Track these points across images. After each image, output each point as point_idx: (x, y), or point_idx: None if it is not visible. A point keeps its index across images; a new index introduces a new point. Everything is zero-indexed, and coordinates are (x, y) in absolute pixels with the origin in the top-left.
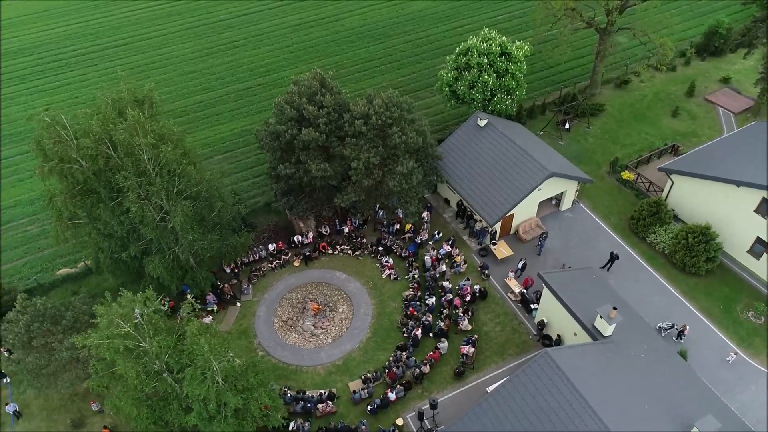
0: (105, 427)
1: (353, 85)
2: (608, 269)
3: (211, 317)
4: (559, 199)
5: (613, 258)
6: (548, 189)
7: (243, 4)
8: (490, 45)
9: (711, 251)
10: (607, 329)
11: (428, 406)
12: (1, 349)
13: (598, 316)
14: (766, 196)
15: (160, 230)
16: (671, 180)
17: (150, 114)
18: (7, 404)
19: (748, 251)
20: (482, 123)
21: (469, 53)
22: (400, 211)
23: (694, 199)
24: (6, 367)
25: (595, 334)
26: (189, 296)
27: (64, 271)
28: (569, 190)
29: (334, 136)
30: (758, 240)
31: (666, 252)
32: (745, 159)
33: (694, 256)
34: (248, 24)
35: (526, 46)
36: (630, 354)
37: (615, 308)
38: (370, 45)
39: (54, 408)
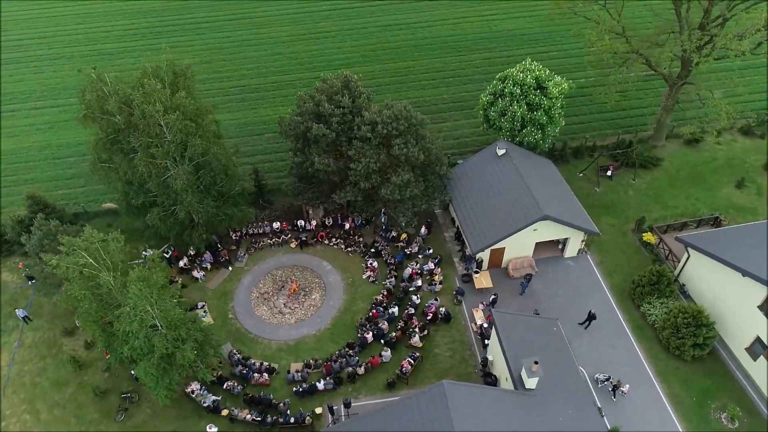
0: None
1: (414, 92)
2: (585, 327)
3: (203, 273)
4: (565, 244)
5: (591, 317)
6: (547, 231)
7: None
8: (526, 76)
9: (700, 337)
10: (528, 381)
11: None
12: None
13: (523, 367)
14: None
15: (162, 187)
16: (687, 253)
17: (184, 86)
18: (17, 309)
19: (746, 348)
20: (500, 152)
21: (506, 81)
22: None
23: (705, 278)
24: (32, 272)
25: (517, 383)
26: (191, 251)
27: (108, 205)
28: (573, 237)
29: (345, 136)
30: (758, 339)
31: (656, 326)
32: (763, 248)
33: (681, 337)
34: (344, 18)
35: (565, 84)
36: (546, 412)
37: (536, 362)
38: (447, 55)
39: (58, 315)
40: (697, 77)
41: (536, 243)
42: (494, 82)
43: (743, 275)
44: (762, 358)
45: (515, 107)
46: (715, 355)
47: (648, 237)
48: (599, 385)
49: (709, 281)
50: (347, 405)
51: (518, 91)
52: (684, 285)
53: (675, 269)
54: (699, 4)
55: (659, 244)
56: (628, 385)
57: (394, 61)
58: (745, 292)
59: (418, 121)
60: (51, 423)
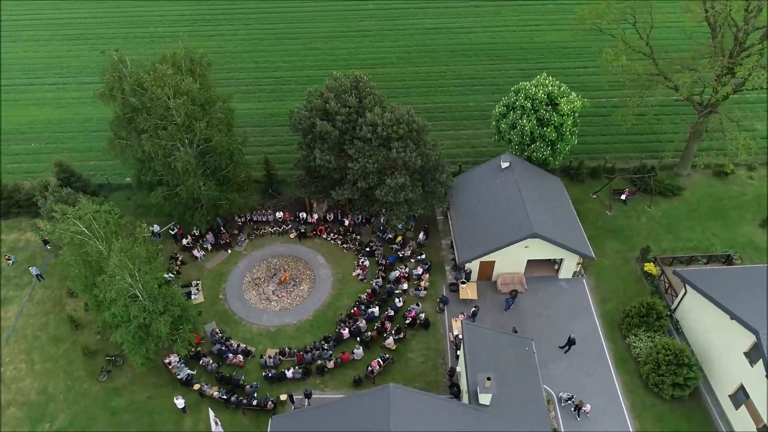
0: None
1: (441, 97)
2: (565, 352)
3: (203, 253)
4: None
5: (570, 342)
6: (539, 250)
7: (397, 1)
8: (538, 90)
9: (681, 377)
10: (481, 397)
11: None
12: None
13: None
14: (757, 341)
15: (167, 168)
16: (685, 289)
17: (200, 74)
18: (31, 267)
19: (730, 395)
20: (504, 165)
21: (519, 93)
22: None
23: (699, 317)
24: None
25: (471, 398)
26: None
27: (129, 179)
28: (568, 259)
29: (349, 135)
30: (742, 387)
31: (639, 360)
32: (759, 293)
33: (661, 375)
34: (388, 18)
35: (578, 101)
36: (494, 429)
37: (489, 378)
38: (482, 63)
39: (67, 276)
40: (728, 107)
41: (531, 261)
42: (510, 93)
43: (731, 318)
44: (744, 407)
45: (524, 121)
46: (698, 397)
47: (650, 267)
48: (562, 404)
49: (702, 320)
50: (308, 396)
51: (529, 105)
52: (678, 321)
53: (672, 304)
54: (729, 30)
55: (660, 276)
56: (589, 405)
57: (427, 65)
58: (733, 336)
59: (419, 126)
60: (42, 374)
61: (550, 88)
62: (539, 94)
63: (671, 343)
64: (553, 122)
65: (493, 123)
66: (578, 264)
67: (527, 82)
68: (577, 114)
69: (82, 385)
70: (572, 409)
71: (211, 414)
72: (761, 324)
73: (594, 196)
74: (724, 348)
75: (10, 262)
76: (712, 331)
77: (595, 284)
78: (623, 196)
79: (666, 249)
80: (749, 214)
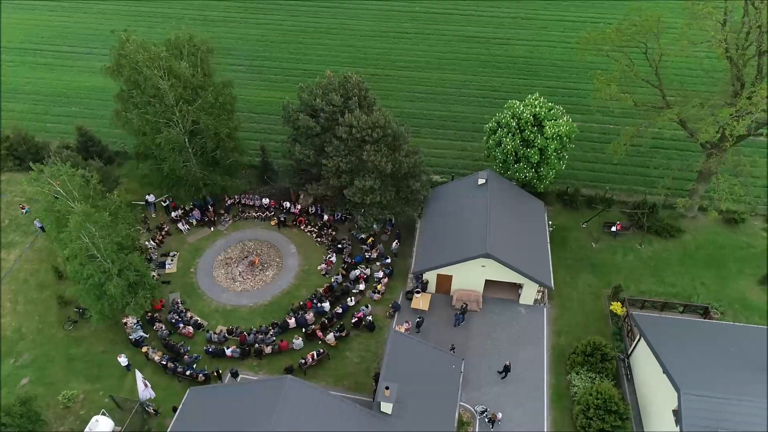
0: None
1: (458, 107)
2: (502, 378)
3: (187, 227)
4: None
5: (506, 368)
6: (496, 271)
7: (444, 4)
8: (524, 110)
9: (608, 424)
10: (382, 405)
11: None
12: None
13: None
14: (679, 402)
15: (154, 143)
16: (638, 334)
17: (201, 58)
18: (36, 219)
19: None
20: (480, 181)
21: (507, 112)
22: (375, 224)
23: (645, 365)
24: None
25: (375, 404)
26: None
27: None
28: (528, 285)
29: (331, 133)
30: None
31: (574, 399)
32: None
33: (589, 418)
34: (430, 21)
35: (565, 125)
36: None
37: (387, 388)
38: (511, 77)
39: None
40: (738, 150)
41: (495, 282)
42: (504, 110)
43: (663, 371)
44: None
45: (507, 140)
46: None
47: (616, 307)
48: (478, 416)
49: (647, 369)
50: (234, 375)
51: (514, 124)
52: (629, 366)
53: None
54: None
55: (626, 317)
56: (501, 414)
57: (456, 73)
58: (664, 390)
59: (394, 132)
60: (21, 315)
61: (537, 109)
62: (525, 115)
63: (604, 388)
64: (537, 144)
65: (484, 138)
66: (539, 291)
67: (516, 101)
68: (566, 138)
69: (50, 330)
70: (486, 420)
71: (139, 376)
72: (690, 384)
73: (583, 225)
74: (659, 402)
75: (24, 211)
76: (652, 383)
77: (557, 315)
78: (613, 229)
79: (644, 291)
80: (750, 269)
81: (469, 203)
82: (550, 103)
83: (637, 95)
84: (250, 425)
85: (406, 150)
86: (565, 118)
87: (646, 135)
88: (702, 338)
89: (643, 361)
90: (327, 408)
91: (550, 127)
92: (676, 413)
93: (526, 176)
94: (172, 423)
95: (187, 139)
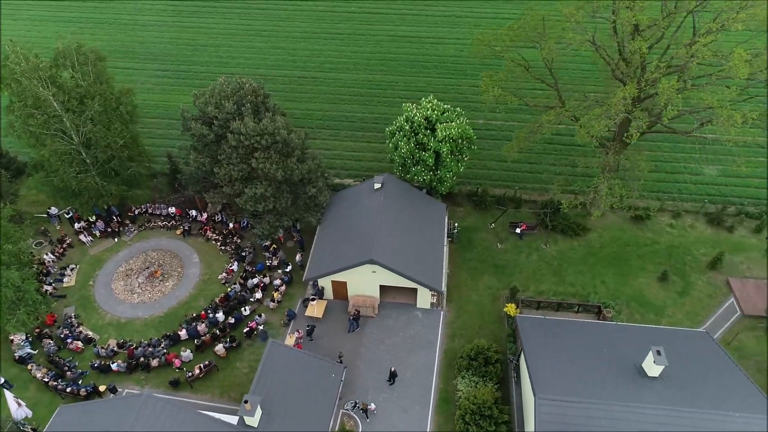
0: None
1: (380, 108)
2: (390, 384)
3: (90, 238)
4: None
5: (392, 374)
6: (387, 276)
7: (380, 4)
8: (416, 113)
9: (483, 429)
10: (246, 419)
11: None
12: None
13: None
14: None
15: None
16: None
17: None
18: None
19: None
20: (377, 186)
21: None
22: (281, 231)
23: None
24: None
25: (240, 419)
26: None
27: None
28: (422, 289)
29: (224, 140)
30: None
31: (457, 404)
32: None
33: (467, 423)
34: (365, 22)
35: (457, 127)
36: None
37: (246, 401)
38: (438, 76)
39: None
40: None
41: (393, 287)
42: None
43: (529, 375)
44: None
45: (403, 143)
46: None
47: (510, 309)
48: (352, 412)
49: (527, 371)
50: (112, 390)
51: (407, 127)
52: (518, 368)
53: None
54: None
55: None
56: (373, 404)
57: (382, 74)
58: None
59: (283, 138)
60: None
61: (429, 111)
62: (417, 117)
63: (481, 392)
64: (430, 147)
65: (387, 141)
66: (433, 295)
67: (409, 104)
68: (461, 140)
69: None
70: (361, 411)
71: (9, 395)
72: (546, 388)
73: (491, 226)
74: (529, 405)
75: None
76: (528, 385)
77: (452, 318)
78: (518, 230)
79: (543, 291)
80: (652, 266)
81: (363, 208)
82: (445, 105)
83: (535, 94)
84: None
85: (299, 156)
86: (459, 120)
87: (560, 132)
88: (577, 340)
89: (525, 364)
90: (186, 424)
91: (441, 130)
92: None
93: (424, 179)
94: None
95: (83, 150)
